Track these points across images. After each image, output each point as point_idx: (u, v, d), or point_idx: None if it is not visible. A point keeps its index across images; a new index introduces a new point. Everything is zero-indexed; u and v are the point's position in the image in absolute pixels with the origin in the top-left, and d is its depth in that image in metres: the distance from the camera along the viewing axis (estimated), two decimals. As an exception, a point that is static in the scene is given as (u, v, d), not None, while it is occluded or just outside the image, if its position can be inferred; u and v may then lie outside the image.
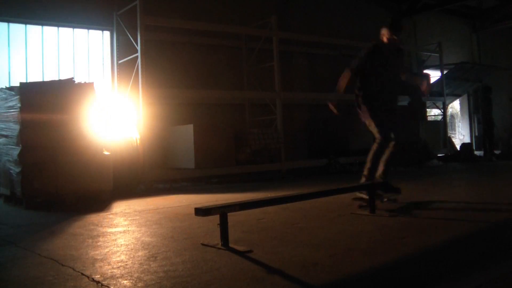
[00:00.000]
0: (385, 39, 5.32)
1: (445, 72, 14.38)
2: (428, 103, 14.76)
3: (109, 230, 4.38)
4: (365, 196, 5.06)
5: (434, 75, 15.07)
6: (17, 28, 8.54)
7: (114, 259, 3.24)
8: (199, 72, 10.49)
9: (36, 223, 5.01)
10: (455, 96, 16.23)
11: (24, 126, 6.03)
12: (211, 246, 3.51)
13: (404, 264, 3.00)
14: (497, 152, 13.93)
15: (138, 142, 8.05)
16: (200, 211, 3.44)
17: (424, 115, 14.33)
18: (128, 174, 7.55)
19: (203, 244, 3.59)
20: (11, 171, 6.15)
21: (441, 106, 14.71)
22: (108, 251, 3.50)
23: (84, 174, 6.30)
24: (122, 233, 4.20)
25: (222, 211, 3.49)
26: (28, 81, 8.11)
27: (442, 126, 14.14)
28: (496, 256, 3.16)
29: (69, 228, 4.53)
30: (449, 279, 2.65)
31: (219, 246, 3.46)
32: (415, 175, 9.69)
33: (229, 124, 9.93)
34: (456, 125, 18.68)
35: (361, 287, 2.64)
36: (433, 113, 16.27)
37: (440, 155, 13.52)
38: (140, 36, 8.37)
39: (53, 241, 3.93)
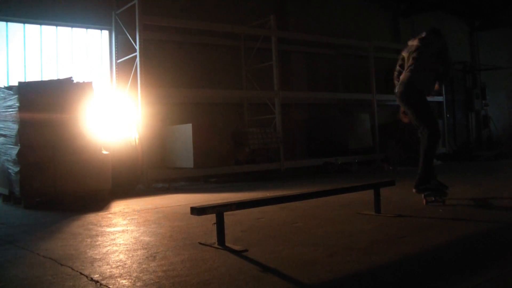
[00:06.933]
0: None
1: None
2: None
3: (108, 229, 4.38)
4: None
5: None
6: (15, 27, 8.53)
7: (113, 259, 3.24)
8: (197, 71, 10.48)
9: (34, 222, 5.00)
10: None
11: (23, 125, 6.02)
12: (208, 245, 3.52)
13: (403, 264, 3.00)
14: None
15: (137, 141, 8.05)
16: (195, 210, 3.41)
17: None
18: (127, 174, 7.55)
19: (200, 243, 3.61)
20: (9, 171, 6.15)
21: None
22: (107, 251, 3.50)
23: (83, 174, 6.30)
24: (120, 233, 4.19)
25: (218, 210, 3.49)
26: (26, 81, 8.10)
27: (441, 125, 14.10)
28: (496, 256, 3.16)
29: (68, 227, 4.53)
30: (448, 278, 2.65)
31: (216, 245, 3.47)
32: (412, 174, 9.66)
33: (228, 124, 9.93)
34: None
35: (360, 287, 2.64)
36: None
37: (440, 152, 13.48)
38: (139, 35, 8.36)
39: (51, 241, 3.92)
